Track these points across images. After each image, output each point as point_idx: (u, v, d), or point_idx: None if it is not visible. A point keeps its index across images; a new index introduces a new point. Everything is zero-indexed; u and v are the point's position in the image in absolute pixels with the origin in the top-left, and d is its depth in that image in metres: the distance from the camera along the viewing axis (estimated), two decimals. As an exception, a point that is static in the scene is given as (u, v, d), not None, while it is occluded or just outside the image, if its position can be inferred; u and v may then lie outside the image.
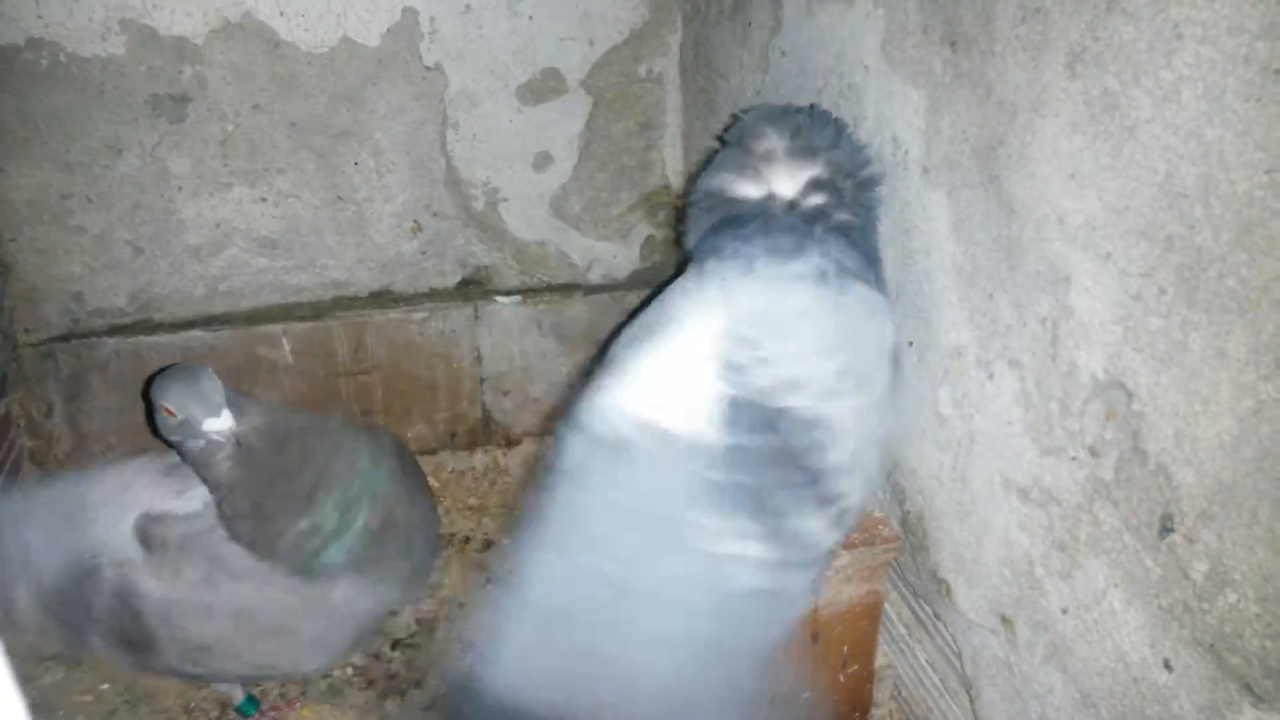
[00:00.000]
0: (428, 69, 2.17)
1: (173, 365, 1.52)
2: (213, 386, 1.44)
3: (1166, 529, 1.00)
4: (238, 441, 1.44)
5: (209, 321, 2.27)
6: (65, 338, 2.20)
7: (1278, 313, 0.84)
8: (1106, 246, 1.02)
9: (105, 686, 1.83)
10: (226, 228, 2.21)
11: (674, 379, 1.16)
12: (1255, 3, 0.82)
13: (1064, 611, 1.19)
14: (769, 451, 1.12)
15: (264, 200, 2.21)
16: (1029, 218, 1.13)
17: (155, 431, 1.52)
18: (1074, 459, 1.12)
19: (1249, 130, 0.84)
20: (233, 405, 1.44)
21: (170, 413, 1.43)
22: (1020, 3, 1.11)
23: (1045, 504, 1.19)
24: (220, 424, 1.42)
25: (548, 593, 1.19)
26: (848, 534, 1.42)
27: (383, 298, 2.37)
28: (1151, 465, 1.01)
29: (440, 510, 2.29)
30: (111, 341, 2.21)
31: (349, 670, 1.86)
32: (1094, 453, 1.09)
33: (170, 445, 1.51)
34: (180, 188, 2.15)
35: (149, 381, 1.52)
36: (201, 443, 1.44)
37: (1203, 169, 0.89)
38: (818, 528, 1.18)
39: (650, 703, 1.17)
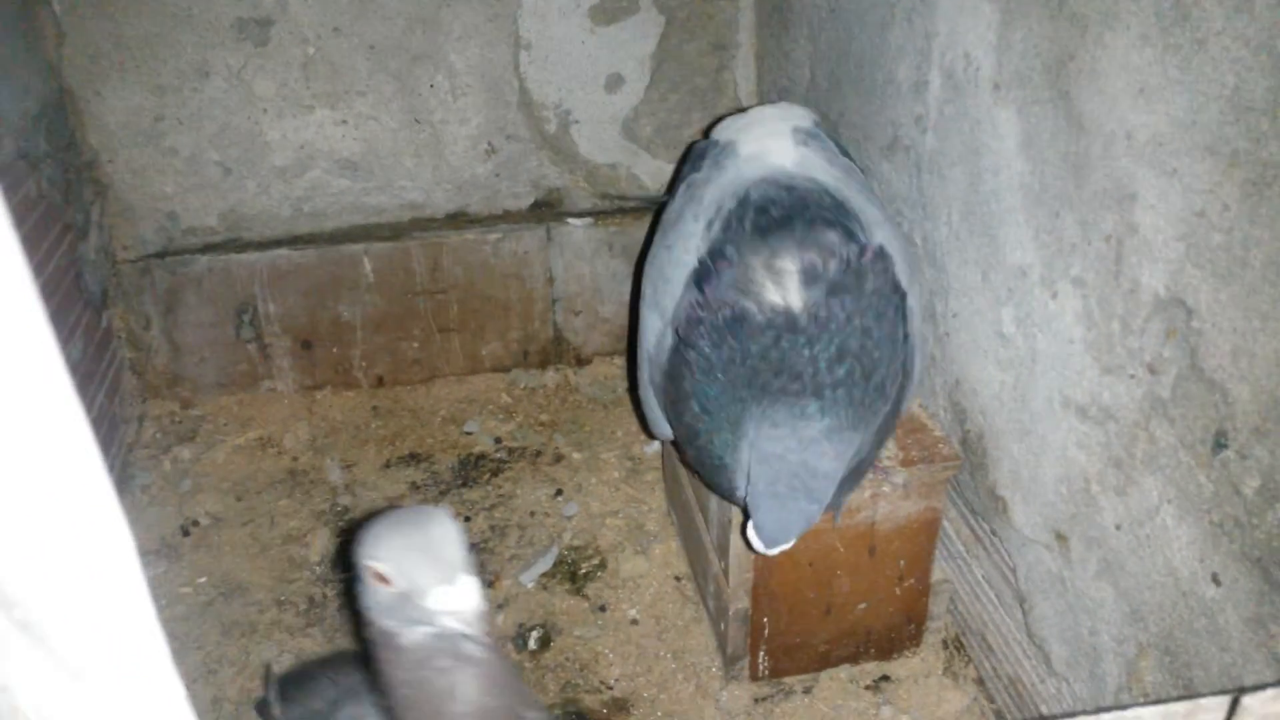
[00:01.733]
0: (501, -11, 2.19)
1: (390, 511, 0.94)
2: (448, 538, 0.88)
3: (1220, 445, 1.01)
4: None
5: (294, 241, 2.36)
6: (160, 255, 2.32)
7: (1341, 227, 0.83)
8: (1173, 162, 1.01)
9: (202, 580, 1.97)
10: (310, 149, 2.29)
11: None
12: (1333, -93, 0.80)
13: (1117, 527, 1.21)
14: None
15: (344, 122, 2.27)
16: (1097, 134, 1.12)
17: (358, 621, 0.98)
18: (1133, 377, 1.13)
19: (1321, 40, 0.82)
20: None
21: (385, 580, 0.87)
22: (1096, -89, 1.08)
23: (1103, 421, 1.20)
24: (460, 599, 0.85)
25: None
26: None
27: (458, 219, 2.43)
28: (1208, 382, 1.01)
29: (513, 425, 2.38)
30: (204, 259, 2.32)
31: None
32: (1153, 370, 1.09)
33: (366, 640, 0.95)
34: (265, 110, 2.23)
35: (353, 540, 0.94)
36: (427, 632, 0.88)
37: (1273, 81, 0.88)
38: None
39: None
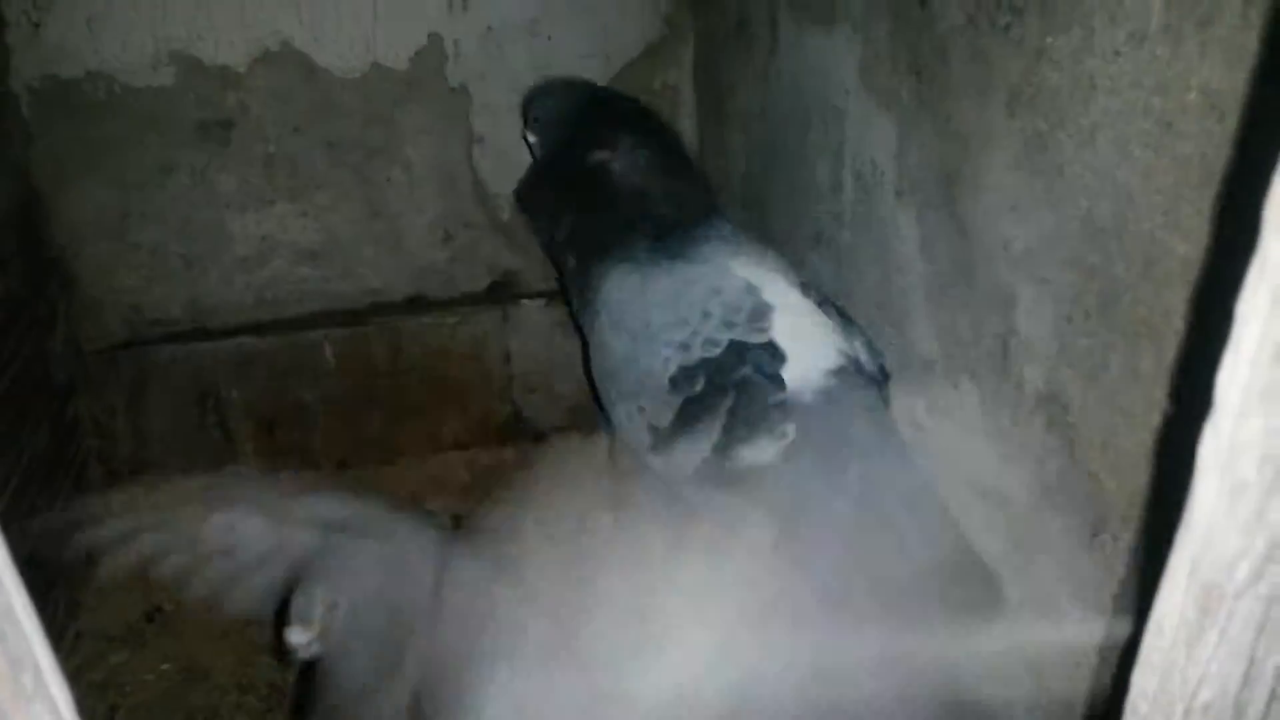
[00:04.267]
0: (453, 89, 2.30)
1: None
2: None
3: (1097, 531, 1.09)
4: None
5: (257, 328, 2.43)
6: (126, 345, 2.38)
7: (1177, 338, 0.93)
8: (1043, 272, 1.11)
9: (166, 666, 2.01)
10: (271, 241, 2.37)
11: None
12: (1150, 61, 0.90)
13: (1020, 605, 1.28)
14: None
15: (305, 215, 2.36)
16: (980, 242, 1.22)
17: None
18: (1024, 464, 1.22)
19: (1150, 175, 0.93)
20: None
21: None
22: (969, 43, 1.19)
23: (1003, 505, 1.28)
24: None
25: None
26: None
27: (417, 303, 2.51)
28: (1084, 472, 1.10)
29: (473, 503, 2.44)
30: (168, 348, 2.38)
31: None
32: (1039, 460, 1.18)
33: None
34: (228, 205, 2.32)
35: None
36: None
37: (1116, 208, 0.98)
38: None
39: None
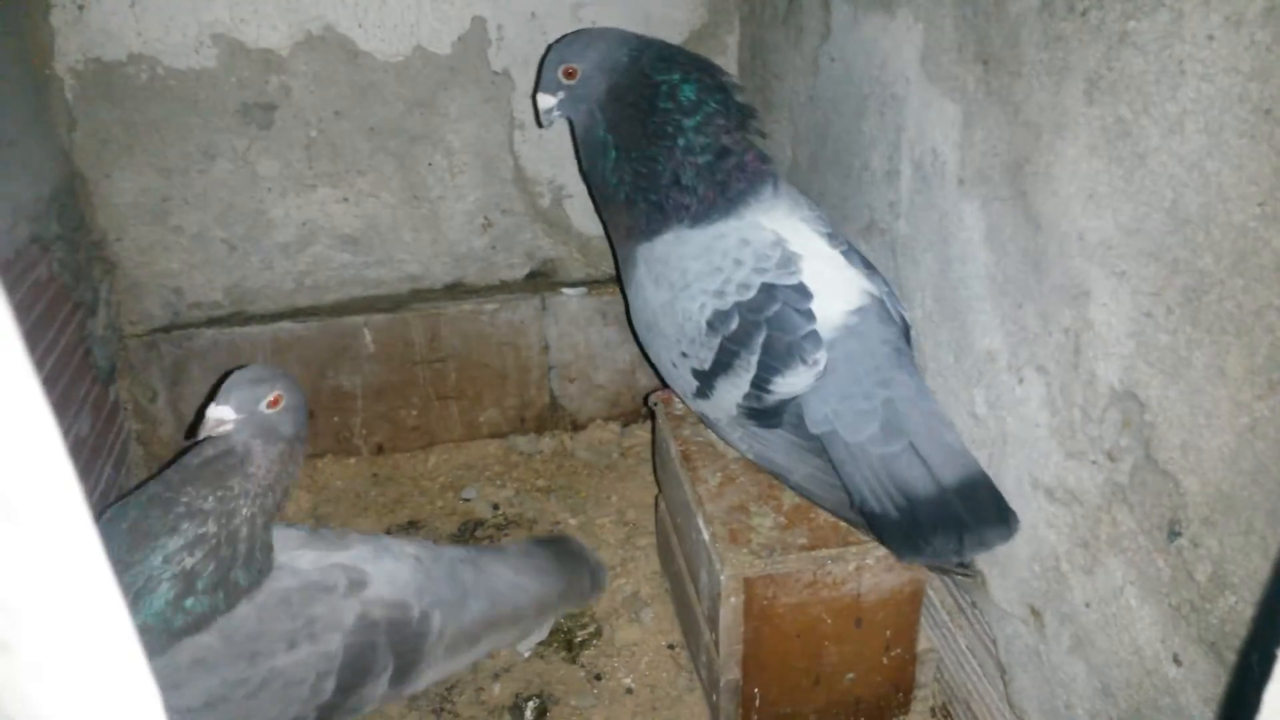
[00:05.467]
0: (496, 74, 2.28)
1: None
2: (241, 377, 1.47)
3: (1174, 533, 1.06)
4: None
5: (296, 313, 2.42)
6: (167, 329, 2.39)
7: (1269, 336, 0.89)
8: (1121, 265, 1.08)
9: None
10: (312, 226, 2.36)
11: None
12: (1248, 46, 0.87)
13: (1087, 605, 1.25)
14: None
15: (346, 200, 2.35)
16: (1053, 233, 1.19)
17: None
18: (1094, 463, 1.18)
19: (1244, 165, 0.89)
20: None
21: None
22: (1044, 28, 1.16)
23: (1069, 504, 1.25)
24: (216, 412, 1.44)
25: None
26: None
27: (456, 290, 2.50)
28: (1162, 472, 1.06)
29: (510, 491, 2.43)
30: (209, 332, 2.38)
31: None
32: (1111, 458, 1.15)
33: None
34: (269, 189, 2.31)
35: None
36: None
37: (1204, 198, 0.94)
38: None
39: None
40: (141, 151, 2.23)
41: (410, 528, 2.33)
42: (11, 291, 1.82)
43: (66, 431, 2.00)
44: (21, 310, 1.84)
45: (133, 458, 2.37)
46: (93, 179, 2.23)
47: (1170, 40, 0.96)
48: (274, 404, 1.46)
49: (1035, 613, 1.38)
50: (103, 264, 2.30)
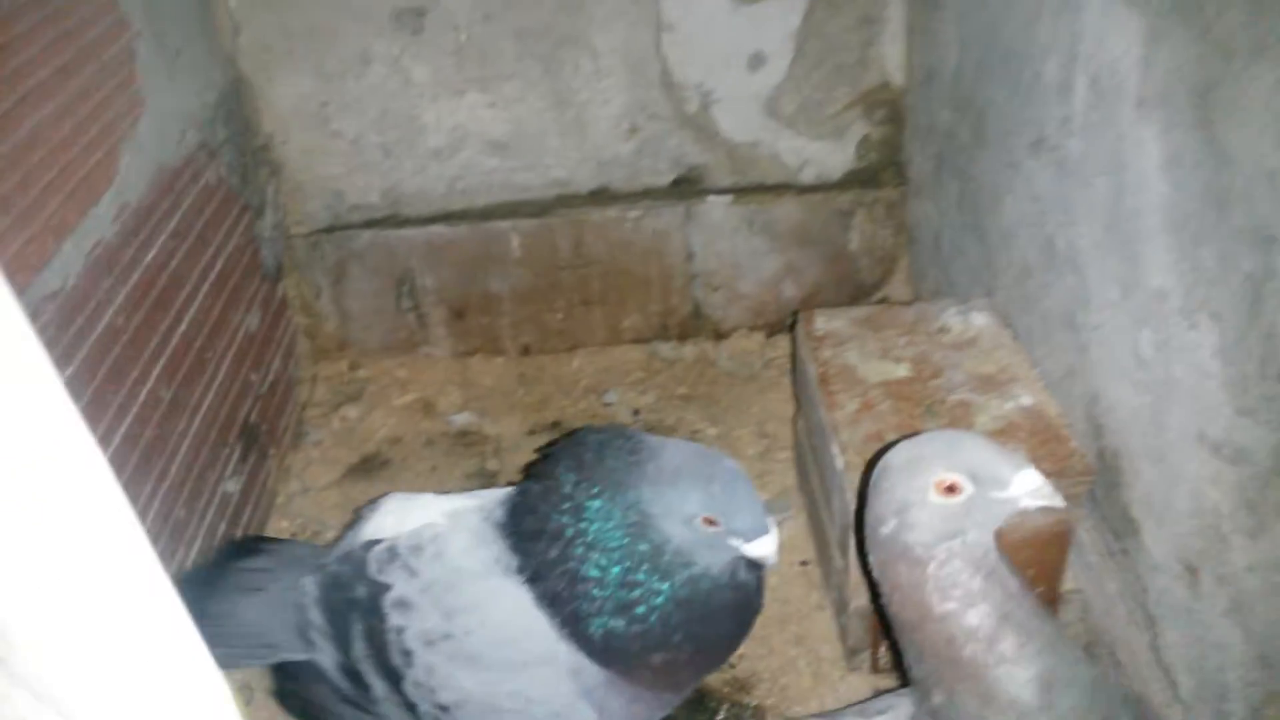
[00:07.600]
0: (645, -28, 2.20)
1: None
2: (974, 439, 1.12)
3: (1354, 509, 0.96)
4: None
5: (448, 217, 2.48)
6: (329, 230, 2.49)
7: None
8: (1319, 210, 0.96)
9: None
10: (462, 131, 2.39)
11: None
12: None
13: (1249, 569, 1.17)
14: None
15: (494, 105, 2.35)
16: (1240, 169, 1.07)
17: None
18: (1268, 422, 1.08)
19: None
20: None
21: (954, 489, 1.04)
22: (1252, -68, 1.01)
23: (1237, 462, 1.16)
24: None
25: None
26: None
27: (600, 196, 2.49)
28: (1345, 443, 0.97)
29: (651, 397, 2.46)
30: (367, 234, 2.47)
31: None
32: (1289, 420, 1.05)
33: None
34: (421, 94, 2.34)
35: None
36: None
37: None
38: None
39: None
40: (301, 57, 2.29)
41: (553, 428, 2.39)
42: (182, 196, 1.93)
43: (237, 327, 2.13)
44: (192, 213, 1.95)
45: (300, 350, 2.52)
46: (256, 83, 2.31)
47: (1405, -47, 0.82)
48: None
49: (1190, 569, 1.30)
50: (269, 167, 2.40)
